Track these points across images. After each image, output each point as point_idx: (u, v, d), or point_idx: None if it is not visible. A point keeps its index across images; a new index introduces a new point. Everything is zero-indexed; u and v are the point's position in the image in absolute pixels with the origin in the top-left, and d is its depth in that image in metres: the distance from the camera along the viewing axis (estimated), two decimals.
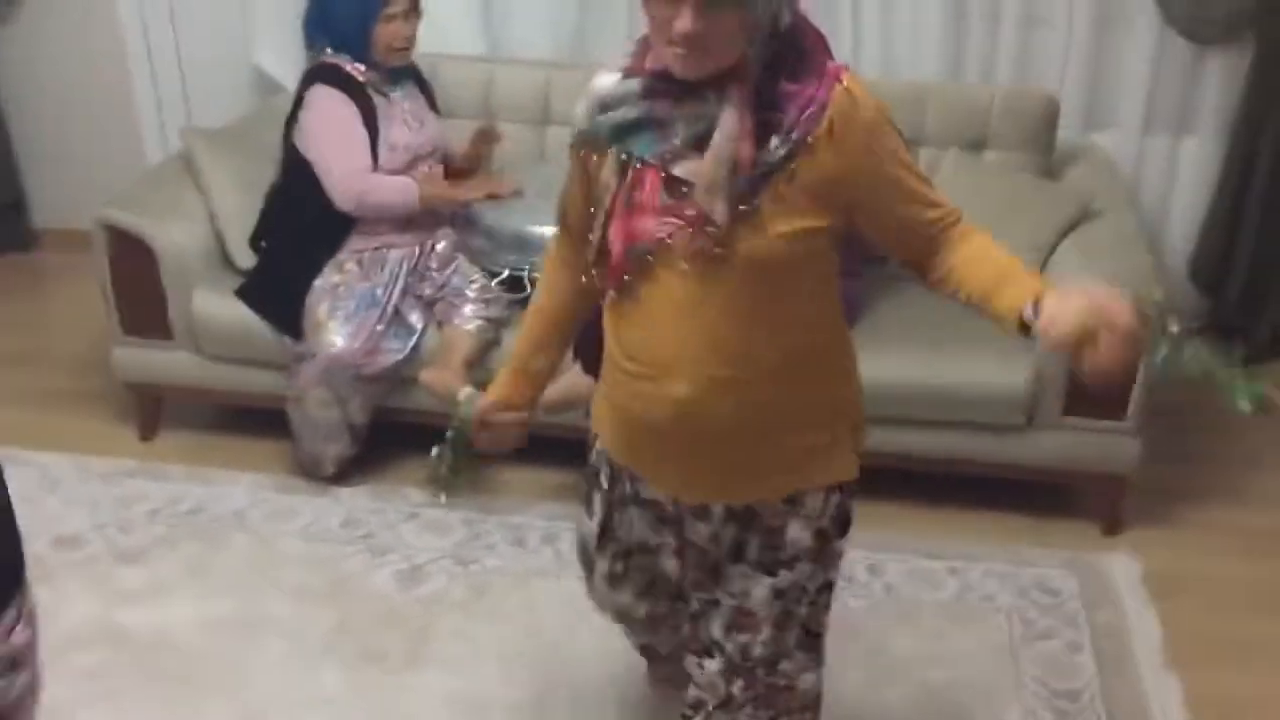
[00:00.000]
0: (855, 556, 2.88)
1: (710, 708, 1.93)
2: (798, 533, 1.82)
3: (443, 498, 1.82)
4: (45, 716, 2.49)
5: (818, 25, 1.68)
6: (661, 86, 1.62)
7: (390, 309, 3.20)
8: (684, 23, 1.51)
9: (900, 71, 3.84)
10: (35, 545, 2.96)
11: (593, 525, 2.04)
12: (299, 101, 3.23)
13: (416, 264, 3.27)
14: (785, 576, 1.84)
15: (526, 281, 3.21)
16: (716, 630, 1.89)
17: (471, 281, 3.28)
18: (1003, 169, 3.50)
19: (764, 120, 1.59)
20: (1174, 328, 1.59)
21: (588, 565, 2.14)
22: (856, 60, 3.81)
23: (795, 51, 1.60)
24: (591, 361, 1.98)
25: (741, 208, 1.60)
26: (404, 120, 3.25)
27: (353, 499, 3.25)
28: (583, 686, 2.61)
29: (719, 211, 1.60)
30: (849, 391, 1.86)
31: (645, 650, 2.37)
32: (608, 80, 1.70)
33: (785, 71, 1.59)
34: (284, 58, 4.03)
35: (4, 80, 4.49)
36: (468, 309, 3.23)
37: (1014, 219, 3.25)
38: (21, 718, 1.60)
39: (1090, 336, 1.51)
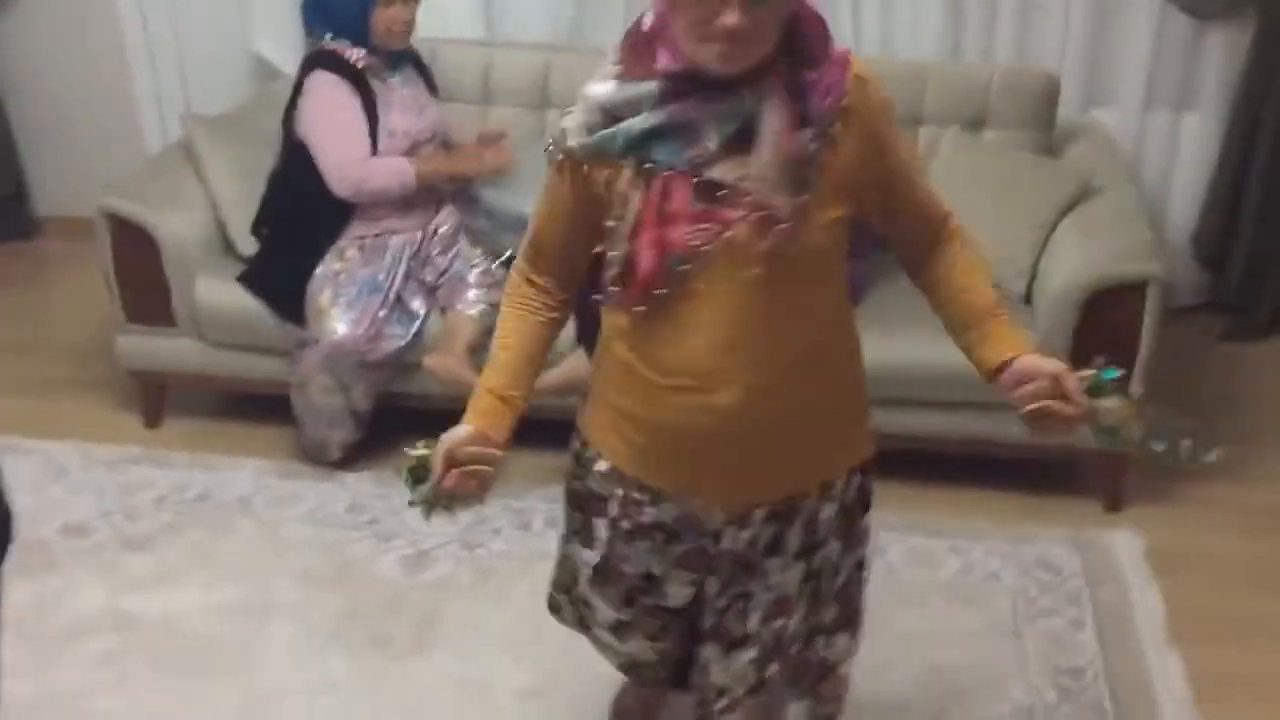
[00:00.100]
0: None
1: (739, 694, 1.89)
2: (828, 514, 1.83)
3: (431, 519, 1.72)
4: (56, 702, 2.52)
5: (816, 6, 1.65)
6: (685, 87, 1.55)
7: (393, 295, 3.20)
8: (731, 17, 1.46)
9: (899, 51, 3.83)
10: (43, 533, 2.99)
11: (593, 556, 1.91)
12: (298, 88, 3.23)
13: (419, 249, 3.27)
14: (818, 555, 1.84)
15: None
16: (753, 623, 1.84)
17: (473, 266, 3.28)
18: (1003, 147, 3.49)
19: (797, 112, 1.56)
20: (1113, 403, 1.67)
21: (572, 598, 2.03)
22: (856, 40, 3.80)
23: (802, 37, 1.58)
24: (593, 346, 1.95)
25: (799, 200, 1.56)
26: (403, 106, 3.24)
27: (358, 484, 3.26)
28: (589, 669, 2.61)
29: (785, 207, 1.56)
30: (860, 370, 1.86)
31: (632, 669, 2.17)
32: (604, 88, 1.61)
33: (802, 59, 1.57)
34: (283, 44, 4.02)
35: (3, 69, 4.48)
36: (470, 294, 3.24)
37: (1014, 197, 3.25)
38: None
39: (1046, 409, 1.63)
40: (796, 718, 1.93)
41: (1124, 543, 3.02)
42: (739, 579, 1.84)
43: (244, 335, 3.33)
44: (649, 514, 1.82)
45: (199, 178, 3.44)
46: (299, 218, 3.26)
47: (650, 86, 1.56)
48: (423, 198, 3.28)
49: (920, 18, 3.79)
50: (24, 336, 4.06)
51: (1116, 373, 1.66)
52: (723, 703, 1.91)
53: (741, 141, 1.56)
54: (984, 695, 2.57)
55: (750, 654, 1.86)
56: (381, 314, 3.17)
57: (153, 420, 3.56)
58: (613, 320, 1.73)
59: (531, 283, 1.79)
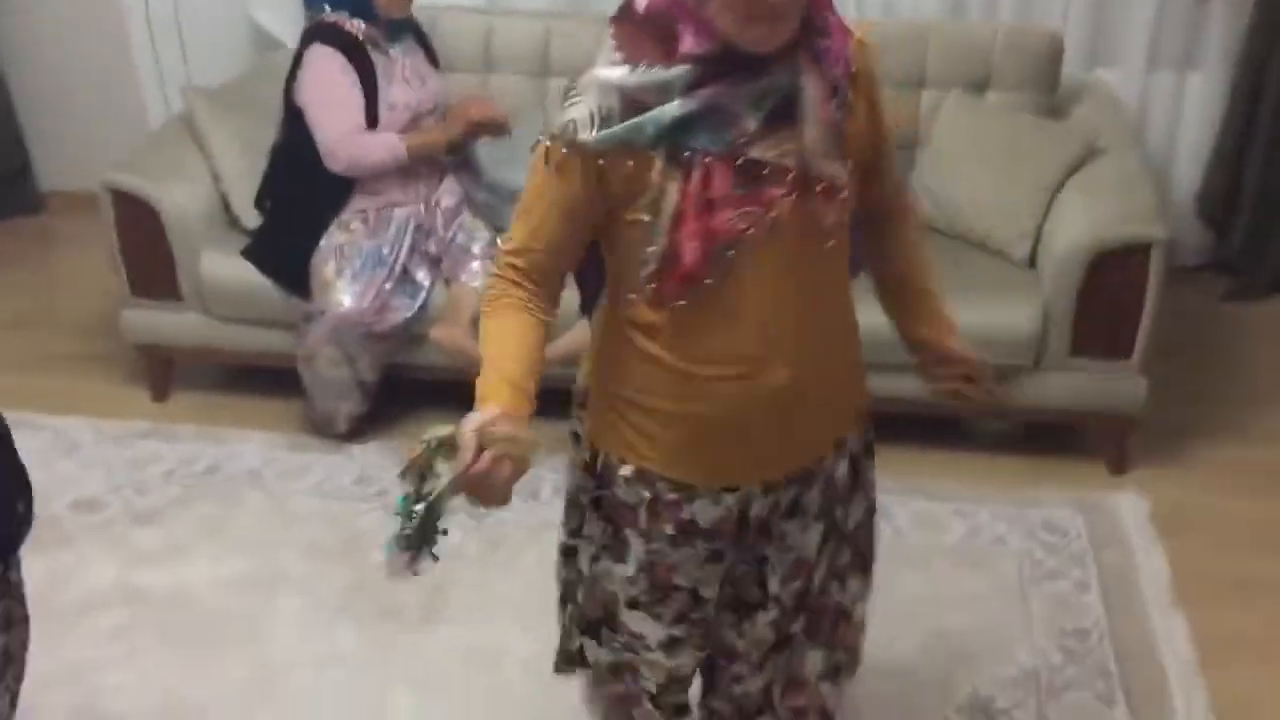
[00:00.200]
0: None
1: (755, 658, 1.88)
2: (842, 471, 1.83)
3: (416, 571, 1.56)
4: (68, 676, 2.54)
5: None
6: (718, 69, 1.48)
7: (398, 267, 3.20)
8: None
9: (902, 10, 3.80)
10: (54, 508, 3.01)
11: (630, 570, 1.78)
12: (298, 60, 3.21)
13: (423, 221, 3.27)
14: (835, 513, 1.84)
15: None
16: (773, 585, 1.82)
17: (476, 238, 3.28)
18: (1006, 109, 3.48)
19: None
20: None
21: (606, 635, 1.87)
22: (859, 2, 3.78)
23: (814, 4, 1.54)
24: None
25: (848, 168, 1.57)
26: (404, 78, 3.22)
27: (365, 455, 3.28)
28: None
29: (840, 175, 1.55)
30: (857, 323, 1.85)
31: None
32: (616, 73, 1.50)
33: (813, 28, 1.53)
34: (281, 14, 4.01)
35: (5, 45, 4.47)
36: (474, 265, 3.24)
37: (1018, 159, 3.24)
38: None
39: (957, 390, 1.84)
40: (813, 669, 1.93)
41: (1129, 505, 3.03)
42: (756, 545, 1.81)
43: (249, 308, 3.34)
44: (686, 511, 1.73)
45: (201, 151, 3.44)
46: (301, 191, 3.25)
47: (680, 71, 1.48)
48: (424, 170, 3.27)
49: None
50: (30, 312, 4.07)
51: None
52: (738, 667, 1.90)
53: (773, 119, 1.52)
54: (990, 658, 2.58)
55: (771, 615, 1.85)
56: (387, 286, 3.18)
57: (160, 394, 3.57)
58: (636, 316, 1.63)
59: (520, 285, 1.63)
